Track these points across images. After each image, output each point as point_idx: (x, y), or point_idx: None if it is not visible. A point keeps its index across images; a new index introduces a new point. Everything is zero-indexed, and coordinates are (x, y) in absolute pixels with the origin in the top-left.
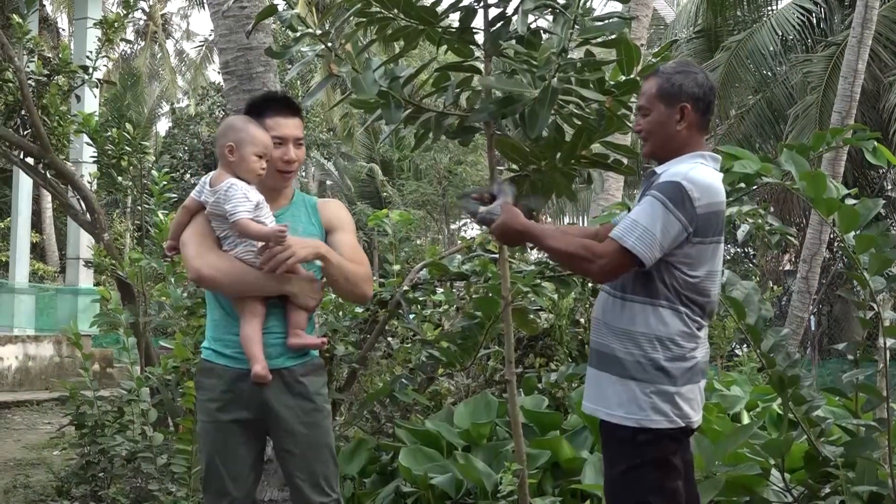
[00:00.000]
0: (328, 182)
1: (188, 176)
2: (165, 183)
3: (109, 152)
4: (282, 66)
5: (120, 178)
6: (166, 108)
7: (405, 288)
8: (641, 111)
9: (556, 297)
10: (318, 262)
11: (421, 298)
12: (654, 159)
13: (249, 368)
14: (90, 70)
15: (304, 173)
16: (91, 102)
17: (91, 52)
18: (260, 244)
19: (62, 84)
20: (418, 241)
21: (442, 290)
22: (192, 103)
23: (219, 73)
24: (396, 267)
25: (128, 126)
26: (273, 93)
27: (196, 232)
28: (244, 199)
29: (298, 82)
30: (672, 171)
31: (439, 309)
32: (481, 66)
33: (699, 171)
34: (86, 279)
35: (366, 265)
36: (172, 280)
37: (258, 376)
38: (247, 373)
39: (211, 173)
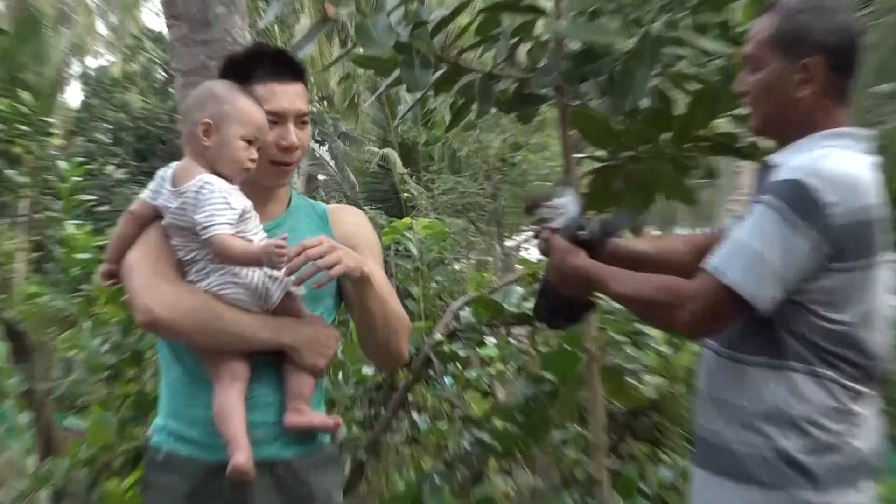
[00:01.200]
0: (320, 176)
1: (112, 168)
2: (79, 179)
3: None
4: (253, 6)
5: (10, 172)
6: (80, 67)
7: (438, 337)
8: (749, 63)
9: (666, 350)
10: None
11: (462, 353)
12: (767, 137)
13: (226, 459)
14: None
15: None
16: None
17: None
18: (248, 272)
19: None
20: (456, 266)
21: (494, 339)
22: (118, 60)
23: (159, 15)
24: (424, 304)
25: (22, 95)
26: (263, 46)
27: (148, 252)
28: (224, 206)
29: (276, 29)
30: (794, 162)
31: (489, 369)
32: (548, 5)
33: (834, 160)
34: None
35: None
36: (88, 325)
37: (240, 471)
38: (223, 466)
39: (172, 165)
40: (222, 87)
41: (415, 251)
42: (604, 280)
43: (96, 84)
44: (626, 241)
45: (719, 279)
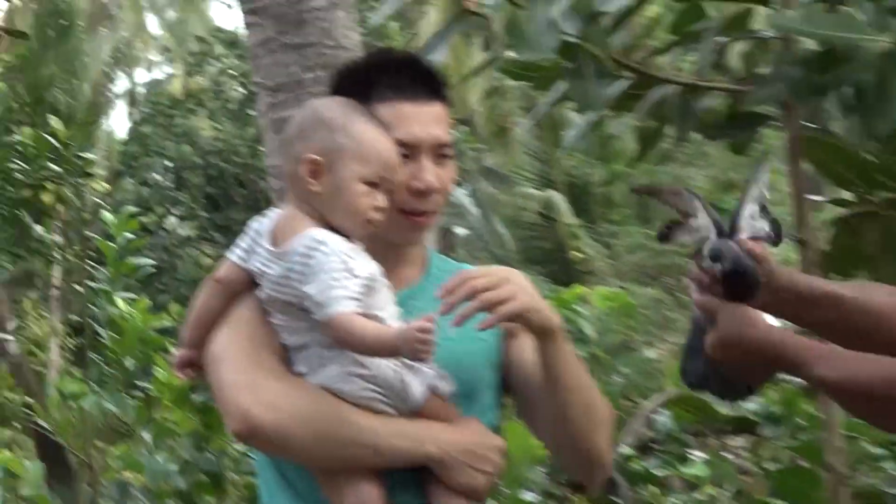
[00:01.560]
0: (458, 230)
1: (174, 221)
2: (130, 237)
3: (15, 174)
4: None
5: (38, 229)
6: (127, 82)
7: (625, 450)
8: None
9: None
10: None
11: (658, 472)
12: None
13: None
14: None
15: None
16: None
17: None
18: (380, 361)
19: None
20: (649, 353)
21: (702, 453)
22: (178, 72)
23: (233, 9)
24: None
25: (51, 121)
26: (388, 51)
27: (242, 335)
28: (345, 274)
29: (395, 28)
30: None
31: (696, 494)
32: None
33: None
34: None
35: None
36: (148, 437)
37: None
38: None
39: (270, 215)
40: (335, 109)
41: (590, 332)
42: (805, 363)
43: (149, 105)
44: (803, 275)
45: None
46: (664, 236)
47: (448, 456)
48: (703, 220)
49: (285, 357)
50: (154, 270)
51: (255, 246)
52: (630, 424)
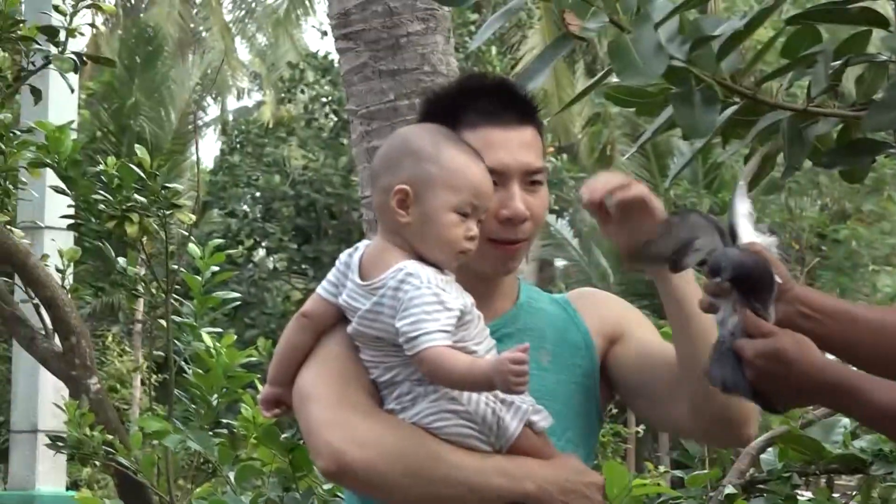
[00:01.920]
0: (557, 262)
1: (263, 254)
2: (217, 269)
3: (100, 206)
4: (459, 20)
5: (121, 262)
6: (215, 109)
7: (729, 490)
8: None
9: None
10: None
11: None
12: None
13: None
14: (60, 36)
15: None
16: (63, 102)
17: None
18: (473, 396)
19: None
20: None
21: (810, 493)
22: (268, 99)
23: (326, 35)
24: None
25: (138, 149)
26: (477, 76)
27: (331, 372)
28: (437, 307)
29: (494, 52)
30: None
31: None
32: (889, 8)
33: None
34: (50, 474)
35: None
36: (233, 474)
37: None
38: None
39: (360, 247)
40: (423, 137)
41: None
42: (862, 389)
43: (239, 134)
44: (814, 290)
45: None
46: (675, 265)
47: (546, 494)
48: (705, 238)
49: (376, 394)
50: (241, 304)
51: (343, 279)
52: (735, 463)
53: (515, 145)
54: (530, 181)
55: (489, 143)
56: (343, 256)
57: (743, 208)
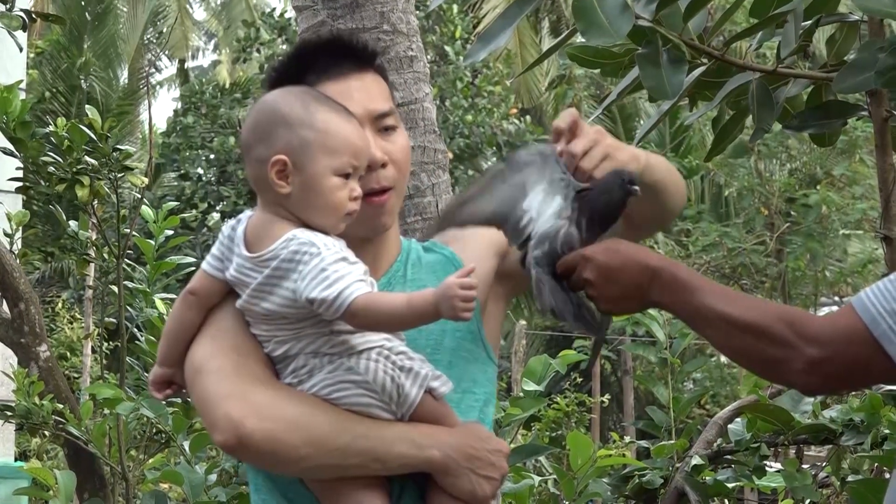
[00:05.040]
0: None
1: (217, 217)
2: (171, 233)
3: (49, 168)
4: None
5: (71, 225)
6: (170, 67)
7: (696, 461)
8: None
9: None
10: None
11: (731, 484)
12: None
13: None
14: None
15: None
16: (11, 61)
17: None
18: (370, 365)
19: None
20: (721, 358)
21: (779, 464)
22: (223, 59)
23: None
24: (676, 414)
25: (89, 110)
26: (312, 39)
27: (227, 346)
28: (342, 263)
29: (456, 10)
30: None
31: None
32: None
33: None
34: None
35: None
36: (187, 446)
37: None
38: None
39: (242, 218)
40: (293, 102)
41: (661, 336)
42: (697, 289)
43: (192, 95)
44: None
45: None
46: (523, 262)
47: (451, 461)
48: (534, 195)
49: (272, 366)
50: (195, 269)
51: (228, 253)
52: (702, 434)
53: (356, 93)
54: (382, 127)
55: (331, 94)
56: (226, 229)
57: (546, 177)
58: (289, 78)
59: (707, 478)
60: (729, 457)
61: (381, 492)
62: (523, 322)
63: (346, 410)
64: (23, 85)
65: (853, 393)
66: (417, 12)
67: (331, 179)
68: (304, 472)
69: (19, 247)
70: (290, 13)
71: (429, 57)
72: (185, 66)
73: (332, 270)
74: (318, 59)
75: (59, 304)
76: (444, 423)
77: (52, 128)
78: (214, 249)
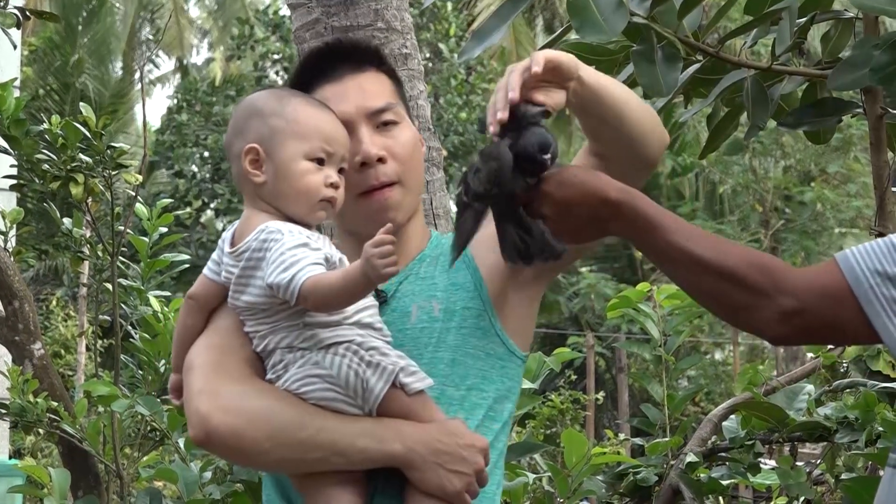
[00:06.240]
0: None
1: (211, 215)
2: (165, 231)
3: (43, 166)
4: None
5: (65, 223)
6: (168, 64)
7: (690, 458)
8: None
9: None
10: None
11: (726, 481)
12: None
13: None
14: None
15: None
16: (5, 59)
17: None
18: (335, 359)
19: None
20: (717, 355)
21: (773, 462)
22: (216, 55)
23: None
24: (670, 411)
25: (83, 108)
26: (320, 46)
27: (213, 345)
28: (301, 248)
29: (451, 7)
30: None
31: None
32: None
33: None
34: None
35: None
36: (181, 444)
37: None
38: None
39: (236, 222)
40: (268, 97)
41: (655, 333)
42: (662, 227)
43: (187, 92)
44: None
45: (838, 264)
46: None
47: (416, 455)
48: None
49: (257, 364)
50: (189, 267)
51: (221, 255)
52: (697, 431)
53: (352, 92)
54: (381, 122)
55: (326, 100)
56: (225, 234)
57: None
58: (295, 87)
59: (702, 475)
60: (723, 454)
61: (358, 487)
62: None
63: (312, 405)
64: (17, 83)
65: (847, 391)
66: (412, 9)
67: (301, 163)
68: (269, 466)
69: (13, 244)
70: (285, 11)
71: (423, 54)
72: (185, 63)
73: (290, 255)
74: (319, 66)
75: (54, 302)
76: (418, 418)
77: (46, 125)
78: (214, 254)
